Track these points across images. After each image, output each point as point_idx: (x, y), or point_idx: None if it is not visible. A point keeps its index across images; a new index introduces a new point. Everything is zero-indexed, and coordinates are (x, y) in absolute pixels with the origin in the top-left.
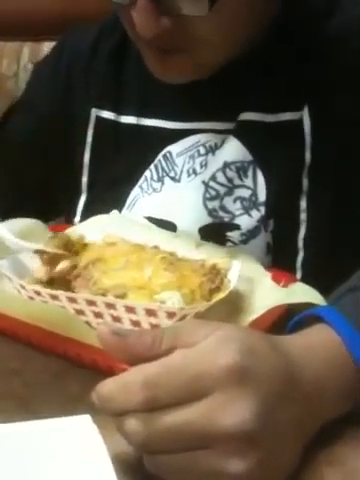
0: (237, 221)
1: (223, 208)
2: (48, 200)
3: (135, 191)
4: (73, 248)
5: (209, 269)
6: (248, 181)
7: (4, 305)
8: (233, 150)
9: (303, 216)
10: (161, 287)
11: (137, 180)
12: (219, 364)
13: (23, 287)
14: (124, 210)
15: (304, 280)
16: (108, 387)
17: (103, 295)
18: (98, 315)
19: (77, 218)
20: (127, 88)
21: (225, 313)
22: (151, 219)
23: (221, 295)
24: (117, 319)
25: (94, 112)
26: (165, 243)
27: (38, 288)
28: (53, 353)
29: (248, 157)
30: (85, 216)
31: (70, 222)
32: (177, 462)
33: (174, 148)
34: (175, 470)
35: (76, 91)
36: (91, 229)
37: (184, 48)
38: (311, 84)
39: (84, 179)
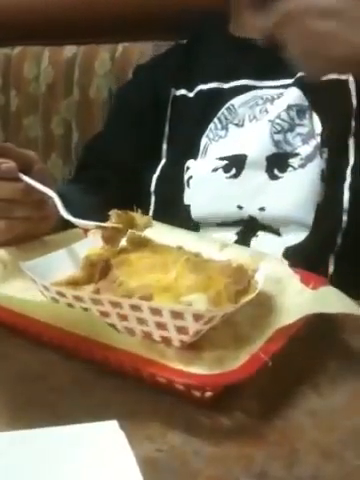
0: (297, 151)
1: (286, 141)
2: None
3: (203, 141)
4: (134, 226)
5: (235, 270)
6: (306, 121)
7: (27, 308)
8: (294, 96)
9: (351, 152)
10: (186, 289)
11: (203, 132)
12: None
13: (47, 288)
14: (199, 158)
15: (351, 200)
16: None
17: (128, 297)
18: (123, 317)
19: (155, 176)
20: (197, 68)
21: (254, 314)
22: (223, 158)
23: (249, 296)
24: (143, 321)
25: (172, 91)
26: (189, 245)
27: (62, 289)
28: (79, 357)
29: (306, 102)
30: (163, 176)
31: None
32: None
33: (236, 101)
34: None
35: (160, 84)
36: None
37: None
38: None
39: (164, 146)
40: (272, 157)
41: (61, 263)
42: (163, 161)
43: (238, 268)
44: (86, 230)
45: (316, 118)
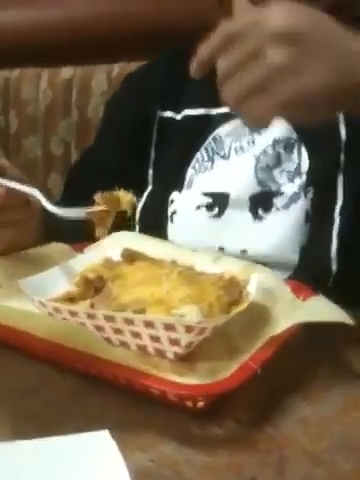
0: (282, 189)
1: (271, 179)
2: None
3: (189, 172)
4: (120, 204)
5: (227, 282)
6: (294, 156)
7: (24, 323)
8: (281, 129)
9: (340, 190)
10: (179, 301)
11: (190, 162)
12: None
13: (43, 304)
14: (184, 190)
15: (340, 249)
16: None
17: (122, 311)
18: (117, 331)
19: (140, 205)
20: (184, 90)
21: (246, 325)
22: (207, 194)
23: (240, 308)
24: (136, 335)
25: (158, 113)
26: (183, 258)
27: (58, 305)
28: (74, 370)
29: (293, 135)
30: (147, 206)
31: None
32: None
33: (222, 131)
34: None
35: (146, 101)
36: (110, 246)
37: None
38: None
39: (150, 172)
40: (255, 197)
41: (57, 280)
42: (149, 188)
43: (230, 280)
44: (77, 248)
45: (304, 153)
